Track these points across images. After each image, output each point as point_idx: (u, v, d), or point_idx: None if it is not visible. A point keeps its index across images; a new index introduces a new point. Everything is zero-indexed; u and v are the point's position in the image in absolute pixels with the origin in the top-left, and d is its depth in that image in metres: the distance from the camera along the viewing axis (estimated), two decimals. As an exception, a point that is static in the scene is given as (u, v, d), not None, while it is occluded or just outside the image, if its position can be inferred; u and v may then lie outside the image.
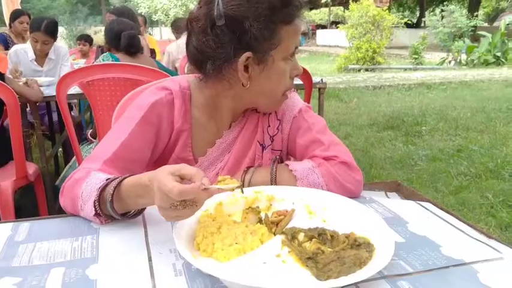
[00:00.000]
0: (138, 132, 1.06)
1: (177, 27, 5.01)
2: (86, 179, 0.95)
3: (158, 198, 0.77)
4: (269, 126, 1.19)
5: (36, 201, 2.64)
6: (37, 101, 2.77)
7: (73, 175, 1.00)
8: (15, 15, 4.94)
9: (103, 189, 0.90)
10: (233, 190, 0.84)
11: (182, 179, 0.77)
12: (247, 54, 1.01)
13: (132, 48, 2.68)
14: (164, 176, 0.76)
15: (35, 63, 3.69)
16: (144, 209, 0.95)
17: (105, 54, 2.71)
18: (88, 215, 0.93)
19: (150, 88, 1.15)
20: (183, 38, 4.61)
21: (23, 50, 3.66)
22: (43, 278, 0.73)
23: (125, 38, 2.64)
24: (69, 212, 0.99)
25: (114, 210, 0.89)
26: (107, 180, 0.92)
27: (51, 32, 3.55)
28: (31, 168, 2.52)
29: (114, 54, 2.64)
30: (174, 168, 0.78)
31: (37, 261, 0.79)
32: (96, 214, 0.92)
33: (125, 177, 0.90)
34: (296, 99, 1.22)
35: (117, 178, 0.90)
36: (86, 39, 6.09)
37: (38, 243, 0.85)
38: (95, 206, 0.91)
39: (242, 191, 0.86)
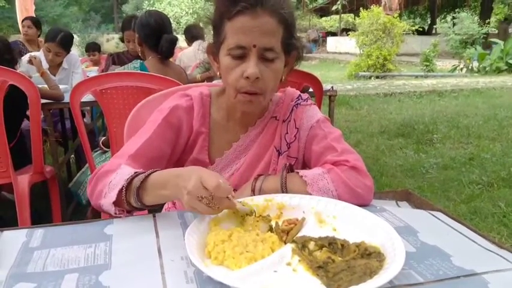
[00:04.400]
0: (160, 133, 1.16)
1: (189, 34, 5.00)
2: (117, 170, 1.03)
3: (192, 184, 0.85)
4: (287, 133, 1.23)
5: (50, 205, 2.70)
6: (61, 99, 2.86)
7: (103, 167, 1.07)
8: (22, 21, 5.22)
9: (131, 180, 0.98)
10: (246, 215, 0.93)
11: None
12: (210, 44, 1.16)
13: (170, 54, 2.53)
14: (205, 170, 0.90)
15: (48, 72, 3.73)
16: (160, 208, 0.99)
17: (135, 64, 2.50)
18: (108, 202, 1.00)
19: (173, 95, 1.25)
20: (195, 46, 4.65)
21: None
22: (57, 284, 0.74)
23: (167, 43, 2.45)
24: (92, 200, 1.06)
25: (138, 197, 0.97)
26: (135, 173, 0.99)
27: (65, 45, 3.60)
28: (47, 168, 2.66)
29: (143, 63, 2.49)
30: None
31: (51, 268, 0.80)
32: (115, 202, 0.98)
33: (154, 171, 0.98)
34: (316, 111, 1.26)
35: (146, 171, 0.99)
36: (94, 48, 6.14)
37: (52, 250, 0.87)
38: (119, 194, 0.98)
39: (255, 215, 0.95)
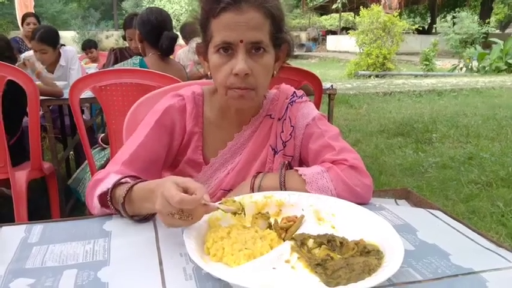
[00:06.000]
0: (153, 135, 1.14)
1: (186, 32, 4.97)
2: (105, 179, 1.02)
3: (159, 202, 0.81)
4: (282, 131, 1.22)
5: (48, 200, 2.70)
6: (60, 95, 2.87)
7: (96, 176, 1.06)
8: (24, 17, 5.19)
9: (114, 187, 0.97)
10: (235, 214, 0.90)
11: (186, 192, 0.81)
12: (198, 44, 1.15)
13: (170, 51, 2.54)
14: (169, 184, 0.81)
15: (45, 70, 3.70)
16: (153, 215, 0.98)
17: (135, 60, 2.50)
18: (96, 207, 1.01)
19: (165, 96, 1.22)
20: (193, 44, 4.63)
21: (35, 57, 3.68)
22: (56, 279, 0.74)
23: (167, 40, 2.45)
24: (89, 209, 1.06)
25: (125, 210, 0.95)
26: (118, 180, 0.98)
27: (46, 40, 3.47)
28: (46, 164, 2.67)
29: (143, 60, 2.49)
30: (180, 180, 0.83)
31: (50, 263, 0.80)
32: (101, 204, 1.00)
33: (137, 182, 0.95)
34: (311, 108, 1.24)
35: (129, 182, 0.96)
36: (90, 45, 6.12)
37: (51, 246, 0.87)
38: (101, 200, 0.99)
39: (245, 214, 0.91)
